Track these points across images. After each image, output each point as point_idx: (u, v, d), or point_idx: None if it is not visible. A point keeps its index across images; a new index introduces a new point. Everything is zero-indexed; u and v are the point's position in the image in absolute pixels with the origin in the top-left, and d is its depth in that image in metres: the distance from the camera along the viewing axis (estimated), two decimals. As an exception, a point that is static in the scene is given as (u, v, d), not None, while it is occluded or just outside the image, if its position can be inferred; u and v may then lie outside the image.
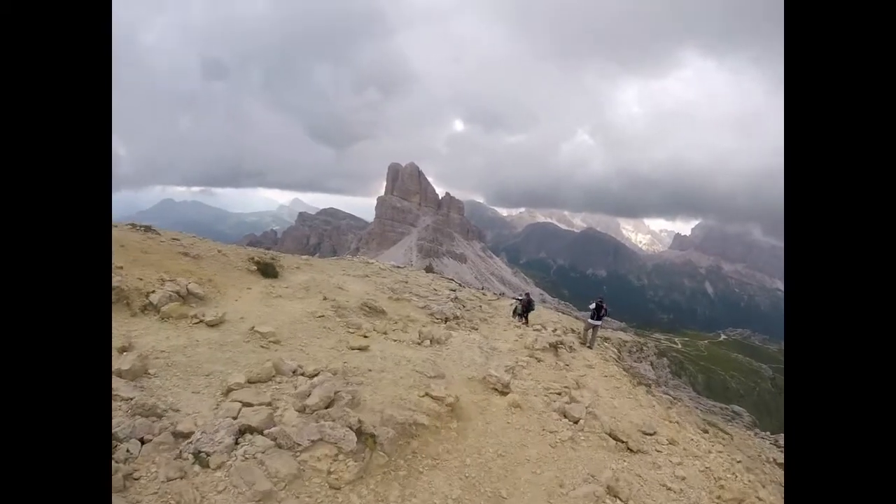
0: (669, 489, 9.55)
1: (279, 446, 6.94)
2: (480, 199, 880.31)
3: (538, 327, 24.49)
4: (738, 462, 13.30)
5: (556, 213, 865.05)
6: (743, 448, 22.01)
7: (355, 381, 10.07)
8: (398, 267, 42.14)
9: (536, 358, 16.23)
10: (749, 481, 11.22)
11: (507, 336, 19.61)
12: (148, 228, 22.02)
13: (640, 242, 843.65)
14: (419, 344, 14.54)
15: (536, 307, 29.87)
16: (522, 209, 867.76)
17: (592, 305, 22.48)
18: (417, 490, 7.43)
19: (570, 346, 19.94)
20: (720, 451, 13.32)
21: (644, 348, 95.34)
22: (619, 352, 51.05)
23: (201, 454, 6.65)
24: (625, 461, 10.16)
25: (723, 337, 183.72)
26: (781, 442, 29.99)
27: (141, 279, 13.82)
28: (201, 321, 12.36)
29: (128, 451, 6.46)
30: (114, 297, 12.10)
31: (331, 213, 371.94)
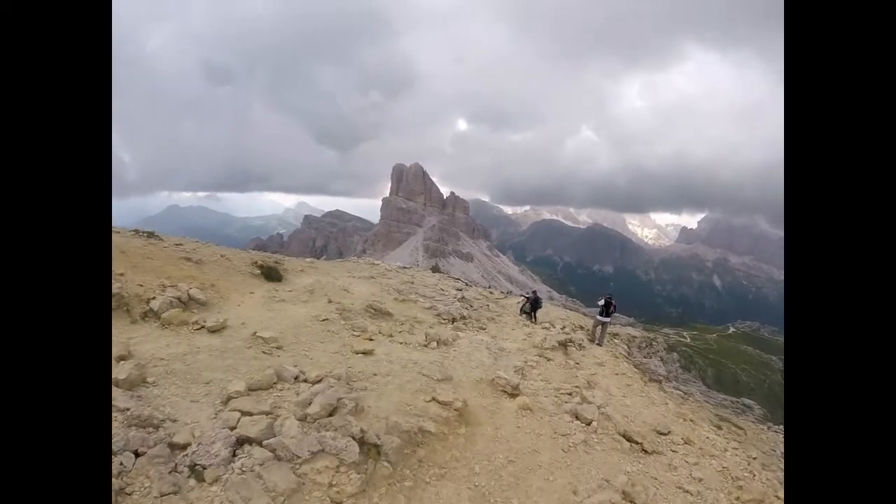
0: (687, 492, 9.25)
1: (278, 458, 6.62)
2: (485, 198, 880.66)
3: (546, 325, 24.43)
4: (754, 459, 12.98)
5: (561, 209, 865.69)
6: (757, 443, 21.75)
7: (359, 387, 9.76)
8: (404, 267, 41.95)
9: (546, 357, 15.96)
10: (767, 480, 10.91)
11: (516, 335, 19.33)
12: (151, 234, 21.79)
13: (647, 237, 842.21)
14: (426, 346, 14.25)
15: (544, 305, 29.65)
16: (528, 207, 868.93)
17: (601, 302, 22.33)
18: (424, 502, 7.14)
19: (580, 344, 19.72)
20: (735, 449, 13.01)
21: (653, 343, 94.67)
22: (629, 348, 50.76)
23: (197, 467, 6.36)
24: (640, 463, 9.87)
25: (732, 330, 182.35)
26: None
27: (141, 285, 13.54)
28: (202, 327, 12.06)
29: (121, 464, 6.14)
30: (114, 304, 11.82)
31: (336, 216, 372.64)
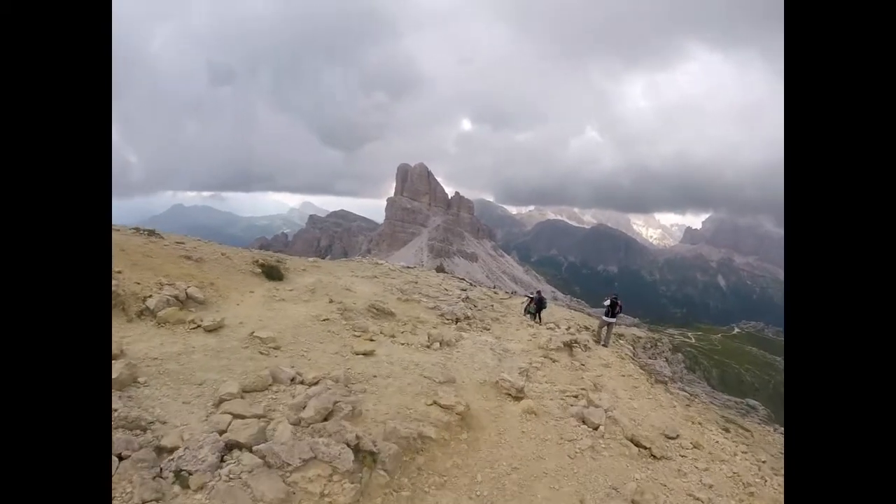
0: (697, 499, 8.93)
1: (268, 465, 6.26)
2: (490, 198, 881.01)
3: (551, 326, 24.31)
4: (764, 463, 12.67)
5: (565, 209, 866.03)
6: (764, 446, 21.57)
7: (358, 390, 9.44)
8: (408, 267, 41.77)
9: (551, 358, 15.67)
10: (779, 486, 10.59)
11: (520, 336, 19.03)
12: (151, 232, 21.60)
13: (651, 237, 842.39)
14: (428, 347, 13.94)
15: (549, 305, 29.52)
16: (532, 207, 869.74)
17: (607, 302, 22.14)
18: (423, 512, 6.80)
19: (585, 345, 19.49)
20: (745, 453, 12.75)
21: (658, 344, 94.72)
22: (634, 348, 50.71)
23: (183, 473, 6.01)
24: (649, 469, 9.52)
25: (736, 330, 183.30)
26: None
27: (138, 283, 13.26)
28: (199, 326, 11.75)
29: (104, 468, 5.88)
30: (109, 303, 11.55)
31: (341, 216, 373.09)
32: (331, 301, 16.51)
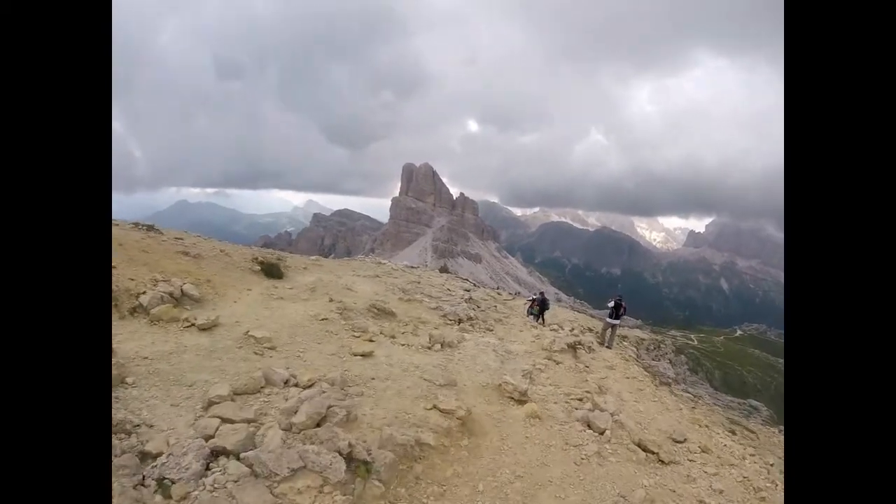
0: (707, 505, 8.55)
1: (255, 475, 5.88)
2: (494, 199, 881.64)
3: (555, 327, 24.11)
4: (772, 466, 12.37)
5: (570, 212, 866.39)
6: (770, 447, 21.41)
7: (355, 393, 9.08)
8: (411, 267, 41.60)
9: (555, 360, 15.36)
10: (789, 489, 10.25)
11: (524, 337, 18.72)
12: (150, 227, 21.46)
13: (655, 240, 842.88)
14: (429, 348, 13.61)
15: (552, 306, 29.40)
16: (536, 209, 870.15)
17: (611, 304, 21.89)
18: (420, 525, 6.43)
19: (589, 347, 19.28)
20: (753, 456, 12.51)
21: (661, 346, 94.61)
22: (638, 350, 50.60)
23: (165, 481, 5.66)
24: (657, 475, 9.15)
25: (738, 332, 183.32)
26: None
27: (132, 279, 12.98)
28: (193, 325, 11.45)
29: (82, 474, 5.55)
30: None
31: (345, 215, 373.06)
32: (330, 300, 16.23)
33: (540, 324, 24.60)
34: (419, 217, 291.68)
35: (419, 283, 27.11)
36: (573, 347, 17.43)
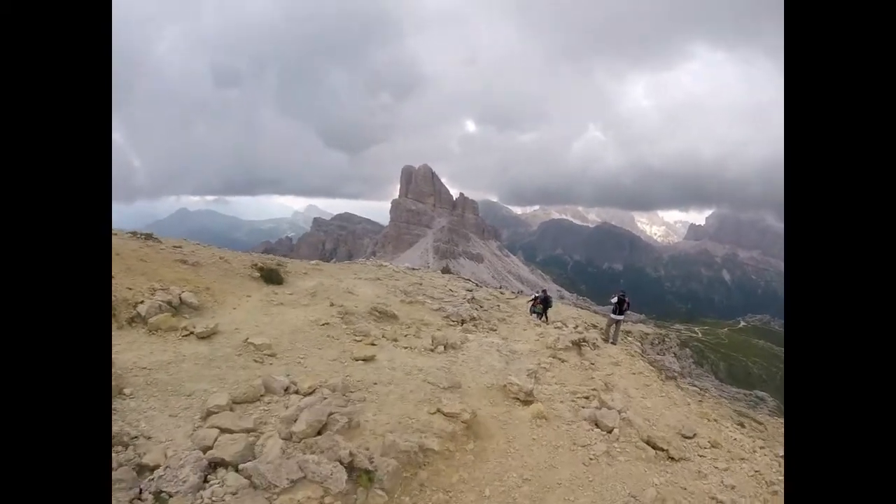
0: (720, 502, 8.40)
1: (254, 487, 5.70)
2: (494, 199, 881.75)
3: (559, 325, 23.90)
4: (783, 458, 12.20)
5: (570, 209, 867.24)
6: (779, 438, 21.23)
7: (357, 398, 8.91)
8: (413, 269, 41.52)
9: (560, 358, 15.19)
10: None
11: (528, 336, 18.53)
12: (149, 236, 21.31)
13: (655, 234, 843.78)
14: (432, 350, 13.40)
15: (555, 304, 29.38)
16: (537, 207, 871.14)
17: (614, 300, 21.91)
18: (425, 534, 6.25)
19: (594, 343, 19.07)
20: (762, 448, 12.22)
21: (666, 340, 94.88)
22: (642, 345, 50.60)
23: (163, 495, 5.50)
24: (667, 473, 8.97)
25: (742, 324, 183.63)
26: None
27: (130, 289, 12.83)
28: (191, 333, 11.30)
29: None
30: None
31: (346, 218, 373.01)
32: (331, 304, 16.06)
33: (543, 322, 24.54)
34: (419, 219, 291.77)
35: (421, 284, 26.92)
36: (578, 345, 17.33)
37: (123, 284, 12.90)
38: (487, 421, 9.29)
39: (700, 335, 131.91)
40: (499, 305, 26.86)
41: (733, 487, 9.00)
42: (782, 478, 10.03)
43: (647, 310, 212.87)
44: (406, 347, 13.33)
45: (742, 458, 10.63)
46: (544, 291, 26.99)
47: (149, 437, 6.90)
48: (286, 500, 5.62)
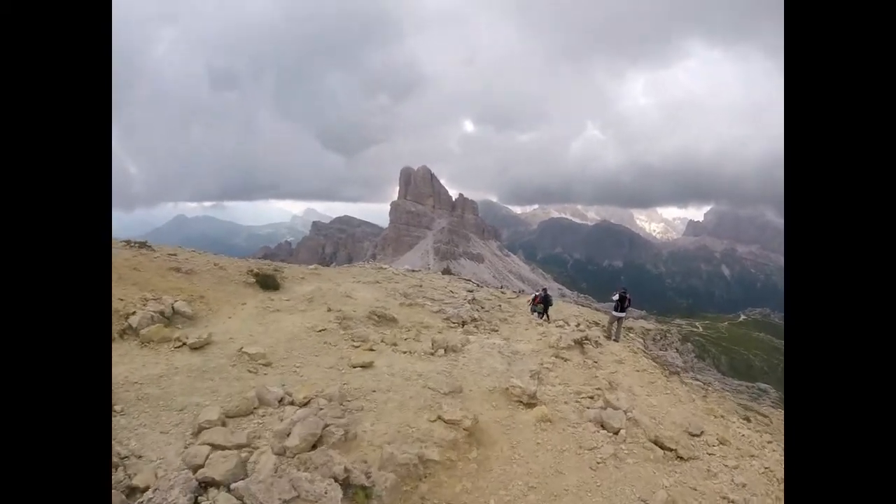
0: (731, 501, 8.19)
1: (245, 508, 5.46)
2: (494, 199, 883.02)
3: (560, 323, 23.73)
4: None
5: (569, 207, 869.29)
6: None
7: (355, 407, 8.65)
8: (412, 271, 41.42)
9: (562, 358, 14.94)
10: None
11: (530, 336, 18.27)
12: (143, 244, 21.13)
13: (654, 231, 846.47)
14: (432, 354, 13.13)
15: (557, 302, 29.37)
16: (536, 206, 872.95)
17: (615, 297, 21.82)
18: (428, 552, 5.98)
19: (596, 341, 18.96)
20: (770, 443, 12.02)
21: (668, 335, 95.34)
22: (644, 341, 50.60)
23: (151, 519, 5.25)
24: (676, 473, 8.73)
25: (742, 317, 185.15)
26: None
27: (122, 300, 12.57)
28: (184, 344, 11.03)
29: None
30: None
31: (345, 221, 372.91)
32: (329, 310, 15.84)
33: (545, 321, 24.37)
34: (419, 220, 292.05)
35: (421, 286, 26.76)
36: (580, 343, 17.13)
37: (115, 295, 12.61)
38: (490, 426, 9.04)
39: (701, 330, 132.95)
40: (500, 305, 26.69)
41: (744, 485, 8.79)
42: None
43: (648, 306, 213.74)
44: (406, 352, 13.07)
45: (751, 455, 10.41)
46: (545, 290, 27.00)
47: (139, 457, 6.68)
48: (278, 522, 5.36)
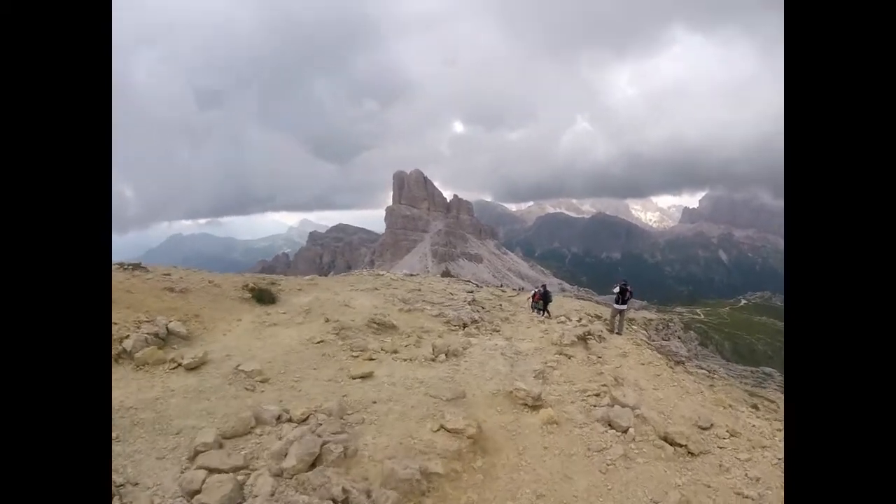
0: (746, 497, 7.94)
1: (242, 535, 5.26)
2: (488, 198, 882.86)
3: (562, 319, 23.67)
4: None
5: (564, 202, 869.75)
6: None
7: (355, 420, 8.44)
8: (411, 275, 41.29)
9: (566, 355, 14.83)
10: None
11: (532, 334, 18.20)
12: (136, 266, 20.92)
13: (651, 221, 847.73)
14: (433, 360, 12.95)
15: (557, 297, 29.36)
16: (531, 202, 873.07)
17: (616, 289, 21.69)
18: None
19: (599, 336, 18.70)
20: (779, 430, 11.81)
21: (670, 324, 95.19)
22: (648, 331, 50.48)
23: (147, 551, 5.06)
24: (688, 470, 8.52)
25: (743, 302, 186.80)
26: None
27: (116, 323, 12.33)
28: (180, 365, 10.80)
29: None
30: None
31: (341, 230, 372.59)
32: (327, 320, 15.63)
33: (546, 317, 24.40)
34: (415, 224, 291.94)
35: (420, 290, 26.64)
36: (583, 339, 16.96)
37: (109, 319, 12.43)
38: (495, 433, 8.84)
39: (703, 317, 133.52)
40: (500, 305, 26.59)
41: (758, 480, 8.53)
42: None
43: (649, 296, 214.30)
44: (406, 359, 12.88)
45: (763, 446, 10.14)
46: (544, 286, 27.09)
47: (136, 484, 6.48)
48: (276, 550, 5.16)
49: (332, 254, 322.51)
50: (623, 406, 10.22)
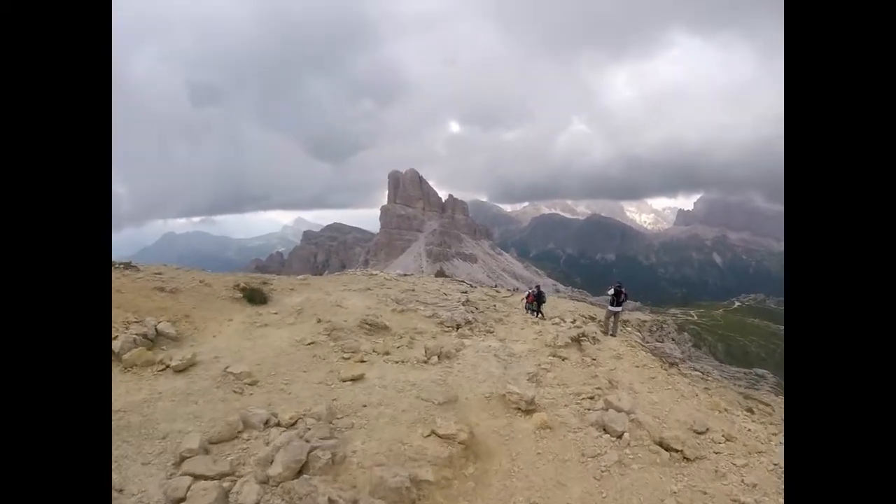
0: None
1: (225, 546, 5.10)
2: (483, 198, 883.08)
3: (556, 320, 23.48)
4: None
5: (559, 202, 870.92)
6: (787, 421, 20.83)
7: (344, 425, 8.31)
8: (405, 275, 41.16)
9: (560, 357, 14.70)
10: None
11: (525, 335, 18.06)
12: (127, 265, 20.71)
13: (645, 222, 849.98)
14: (426, 362, 12.82)
15: (552, 298, 29.25)
16: (526, 203, 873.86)
17: (611, 291, 21.60)
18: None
19: (594, 337, 18.75)
20: (775, 434, 11.70)
21: (664, 326, 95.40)
22: (641, 333, 50.47)
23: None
24: (684, 476, 8.44)
25: (737, 304, 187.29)
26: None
27: (105, 324, 12.15)
28: (168, 367, 10.64)
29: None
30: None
31: (336, 229, 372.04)
32: (318, 321, 15.49)
33: (540, 318, 24.23)
34: (410, 223, 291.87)
35: (414, 290, 26.52)
36: (577, 340, 16.90)
37: (97, 319, 12.24)
38: (487, 437, 8.72)
39: (696, 318, 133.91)
40: (495, 305, 26.51)
41: (755, 486, 8.45)
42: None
43: (643, 297, 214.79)
44: (398, 361, 12.75)
45: (759, 451, 10.08)
46: (538, 287, 26.88)
47: (121, 490, 6.36)
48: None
49: (327, 253, 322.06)
50: (618, 410, 10.13)
